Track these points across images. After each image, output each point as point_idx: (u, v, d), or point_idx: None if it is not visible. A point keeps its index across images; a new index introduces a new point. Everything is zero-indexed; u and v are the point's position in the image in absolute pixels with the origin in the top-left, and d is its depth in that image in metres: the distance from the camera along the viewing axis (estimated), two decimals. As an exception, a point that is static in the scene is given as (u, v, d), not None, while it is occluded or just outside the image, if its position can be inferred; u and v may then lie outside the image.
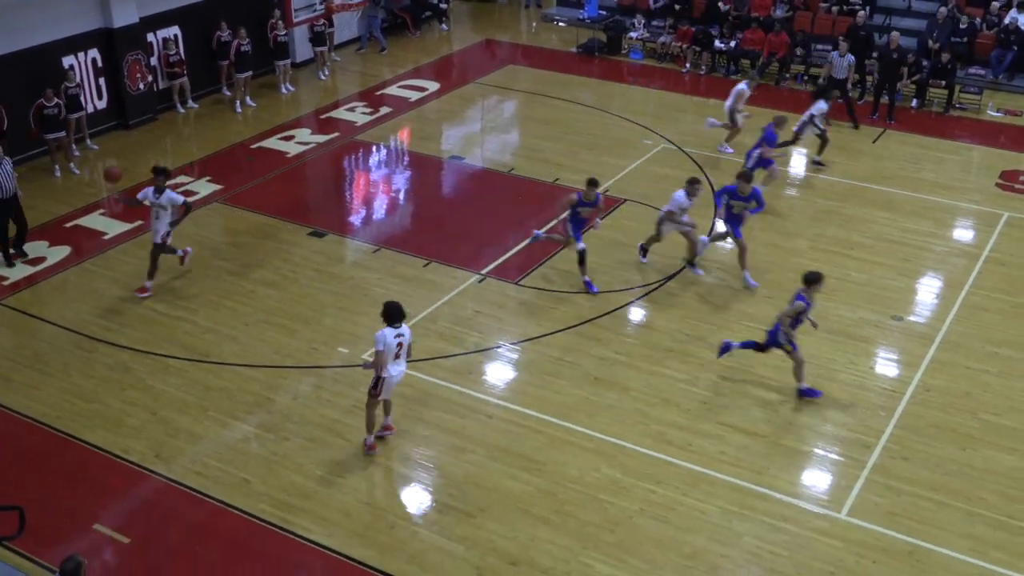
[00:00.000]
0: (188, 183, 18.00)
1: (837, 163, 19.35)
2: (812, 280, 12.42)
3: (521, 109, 22.31)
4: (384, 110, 21.68)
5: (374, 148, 20.08)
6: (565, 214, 15.08)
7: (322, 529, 10.42)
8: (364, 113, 21.50)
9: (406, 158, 20.06)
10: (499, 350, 13.47)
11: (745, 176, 15.23)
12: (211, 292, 14.65)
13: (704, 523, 10.61)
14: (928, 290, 15.17)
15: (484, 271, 15.31)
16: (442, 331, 13.77)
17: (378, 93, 22.70)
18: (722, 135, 19.80)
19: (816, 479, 11.38)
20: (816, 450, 11.77)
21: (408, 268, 15.35)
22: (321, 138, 20.22)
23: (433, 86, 23.11)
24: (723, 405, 12.38)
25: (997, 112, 21.93)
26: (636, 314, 14.43)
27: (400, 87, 23.06)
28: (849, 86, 21.24)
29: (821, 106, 18.77)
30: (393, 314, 10.89)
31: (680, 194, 15.03)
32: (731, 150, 19.64)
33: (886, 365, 13.39)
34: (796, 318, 12.41)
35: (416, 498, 10.94)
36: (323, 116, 21.40)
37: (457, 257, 15.66)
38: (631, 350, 13.52)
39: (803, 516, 10.73)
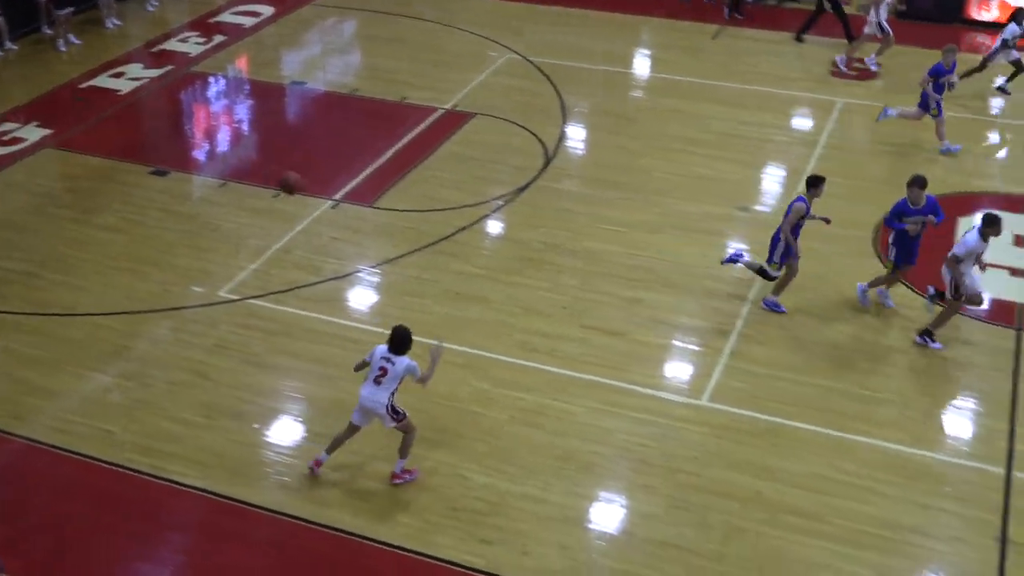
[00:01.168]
0: (15, 130, 17.06)
1: (678, 62, 19.69)
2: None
3: (361, 29, 21.85)
4: (218, 38, 20.89)
5: (211, 79, 19.40)
6: (790, 227, 12.17)
7: (195, 472, 10.27)
8: (198, 43, 20.68)
9: (246, 87, 19.46)
10: (358, 275, 13.38)
11: (919, 182, 11.93)
12: (54, 242, 14.03)
13: (574, 424, 10.88)
14: (771, 180, 15.70)
15: (337, 196, 15.10)
16: (298, 261, 13.58)
17: (211, 21, 21.84)
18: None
19: (677, 370, 11.78)
20: (675, 342, 12.17)
21: (258, 200, 15.00)
22: (154, 72, 19.39)
23: (268, 10, 22.35)
24: (583, 309, 12.63)
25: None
26: (493, 227, 14.49)
27: (233, 13, 22.22)
28: None
29: (1014, 28, 17.51)
30: (393, 339, 9.64)
31: (971, 237, 11.50)
32: (876, 67, 19.08)
33: (736, 255, 13.87)
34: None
35: (287, 430, 10.87)
36: (154, 49, 20.49)
37: (308, 184, 15.35)
38: (490, 263, 13.61)
39: (667, 407, 11.12)
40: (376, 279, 13.34)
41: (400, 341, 9.63)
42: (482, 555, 9.34)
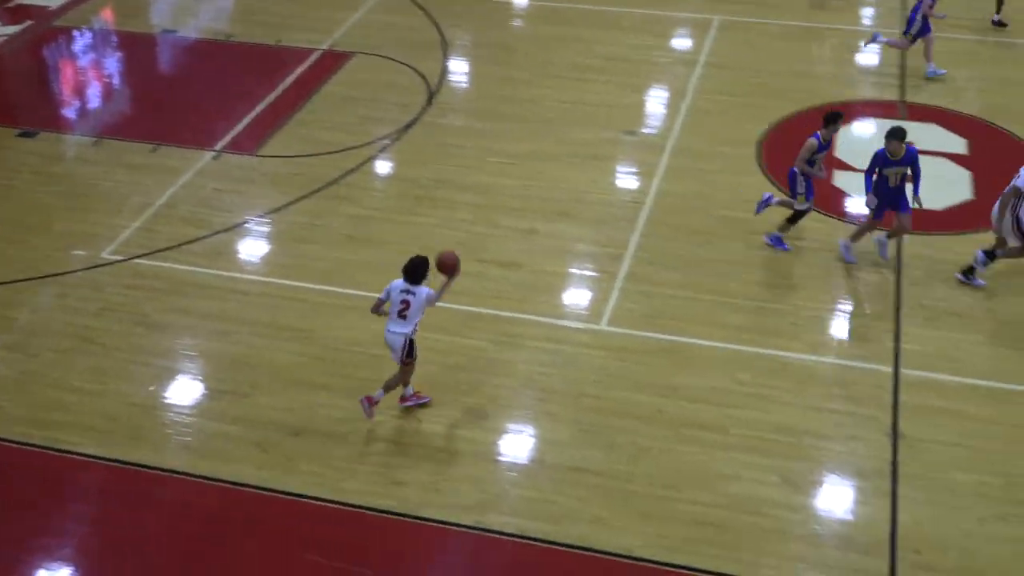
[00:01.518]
0: None
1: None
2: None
3: (230, -29, 21.12)
4: (79, -10, 20.01)
5: (76, 33, 18.56)
6: (803, 167, 11.85)
7: (91, 440, 9.99)
8: (57, -5, 19.78)
9: (113, 38, 18.68)
10: (247, 225, 13.08)
11: (897, 133, 11.26)
12: (-81, 215, 13.41)
13: (476, 359, 10.89)
14: (656, 101, 15.79)
15: (218, 147, 14.68)
16: (184, 215, 13.21)
17: (69, -28, 20.87)
18: None
19: (575, 297, 11.86)
20: (571, 270, 12.23)
21: (135, 156, 14.50)
22: (12, 29, 18.46)
23: (129, -43, 21.44)
24: (478, 242, 12.58)
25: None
26: (381, 167, 14.30)
27: (93, -38, 21.26)
28: None
29: None
30: (408, 270, 9.67)
31: None
32: None
33: (625, 178, 13.96)
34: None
35: (185, 389, 10.64)
36: (9, 4, 19.46)
37: (187, 137, 14.92)
38: (381, 203, 13.45)
39: (567, 334, 11.20)
40: (266, 229, 13.06)
41: (417, 271, 9.66)
42: (393, 496, 9.34)
